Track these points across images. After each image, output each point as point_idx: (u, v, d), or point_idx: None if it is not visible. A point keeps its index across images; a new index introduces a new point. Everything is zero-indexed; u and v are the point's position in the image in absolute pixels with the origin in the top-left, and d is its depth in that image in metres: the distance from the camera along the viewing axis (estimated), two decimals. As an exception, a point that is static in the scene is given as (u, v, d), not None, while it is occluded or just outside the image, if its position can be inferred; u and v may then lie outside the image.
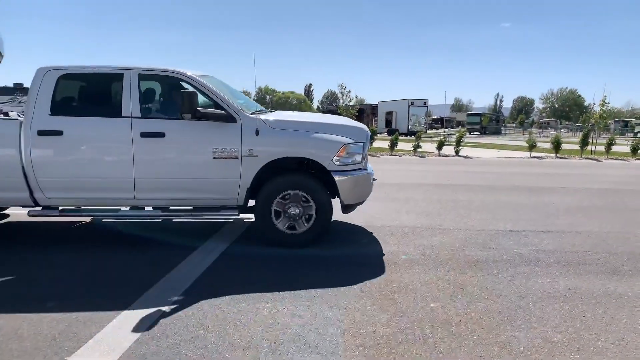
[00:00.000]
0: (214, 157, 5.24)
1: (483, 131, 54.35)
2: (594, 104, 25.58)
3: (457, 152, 20.08)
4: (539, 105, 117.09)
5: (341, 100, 30.29)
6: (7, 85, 22.51)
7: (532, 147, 21.01)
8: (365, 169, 5.63)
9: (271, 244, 5.46)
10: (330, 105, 79.40)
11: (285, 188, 5.35)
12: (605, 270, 4.91)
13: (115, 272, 4.73)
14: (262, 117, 5.43)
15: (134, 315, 3.69)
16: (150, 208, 5.52)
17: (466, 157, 19.38)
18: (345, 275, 4.63)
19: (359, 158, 5.50)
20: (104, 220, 6.40)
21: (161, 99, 5.92)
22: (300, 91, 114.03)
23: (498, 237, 6.13)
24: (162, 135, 5.22)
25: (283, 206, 5.39)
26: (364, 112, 46.03)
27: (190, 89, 5.27)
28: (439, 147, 20.43)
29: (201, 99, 5.32)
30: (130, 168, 5.22)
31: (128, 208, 5.53)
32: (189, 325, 3.56)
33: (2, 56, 6.46)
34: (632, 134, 42.65)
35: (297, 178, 5.43)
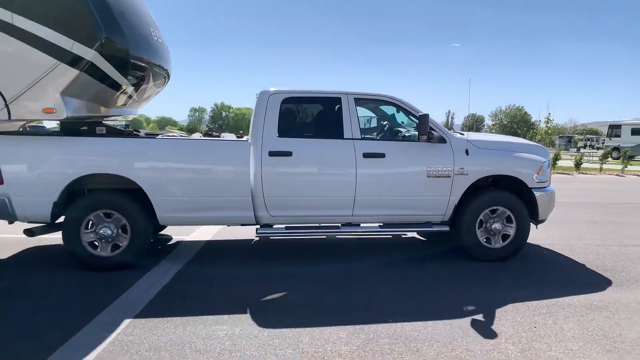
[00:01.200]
0: (428, 176, 5.53)
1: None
2: (540, 120, 26.77)
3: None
4: (488, 122, 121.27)
5: (298, 117, 30.42)
6: None
7: (577, 165, 20.19)
8: (551, 186, 6.02)
9: (474, 258, 5.71)
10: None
11: (492, 204, 5.67)
12: None
13: (64, 296, 4.50)
14: (467, 137, 5.78)
15: (82, 343, 3.50)
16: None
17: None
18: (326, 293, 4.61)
19: (548, 175, 5.89)
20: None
21: (376, 121, 6.26)
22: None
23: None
24: (382, 155, 5.47)
25: (485, 222, 5.72)
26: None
27: (414, 116, 5.70)
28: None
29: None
30: (352, 187, 5.43)
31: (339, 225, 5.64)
32: (142, 350, 3.42)
33: (169, 77, 6.34)
34: (576, 149, 44.73)
35: (503, 195, 5.74)
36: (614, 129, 36.05)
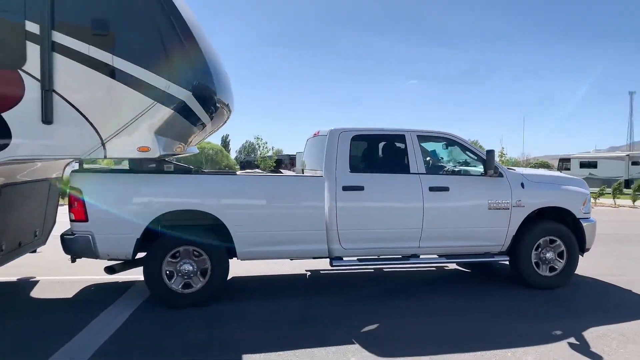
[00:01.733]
0: (489, 208, 5.89)
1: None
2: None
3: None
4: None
5: (259, 152, 30.66)
6: None
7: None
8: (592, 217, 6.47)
9: (530, 286, 6.07)
10: (248, 155, 79.30)
11: (545, 235, 6.09)
12: None
13: (5, 344, 4.14)
14: (522, 172, 6.30)
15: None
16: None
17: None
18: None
19: (590, 207, 6.34)
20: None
21: (437, 156, 6.68)
22: (217, 141, 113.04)
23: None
24: (446, 189, 5.82)
25: (540, 251, 6.12)
26: (282, 163, 46.52)
27: (470, 151, 6.22)
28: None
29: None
30: (419, 219, 5.73)
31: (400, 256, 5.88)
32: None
33: (231, 111, 6.31)
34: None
35: (556, 226, 6.18)
36: (564, 162, 38.71)
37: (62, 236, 5.17)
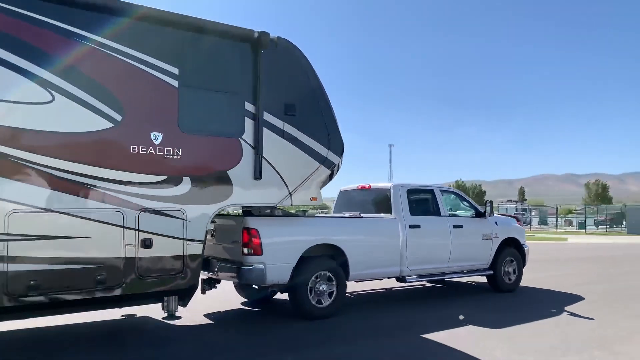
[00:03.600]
0: (482, 239, 8.82)
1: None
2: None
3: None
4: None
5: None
6: None
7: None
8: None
9: (499, 290, 9.10)
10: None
11: (509, 256, 9.28)
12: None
13: None
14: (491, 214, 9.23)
15: None
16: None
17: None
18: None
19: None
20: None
21: (450, 205, 9.31)
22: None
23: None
24: (461, 226, 8.60)
25: (504, 267, 9.25)
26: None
27: (466, 201, 9.36)
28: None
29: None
30: (449, 247, 8.39)
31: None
32: None
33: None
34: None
35: (513, 251, 9.37)
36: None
37: (238, 268, 6.44)
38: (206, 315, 7.08)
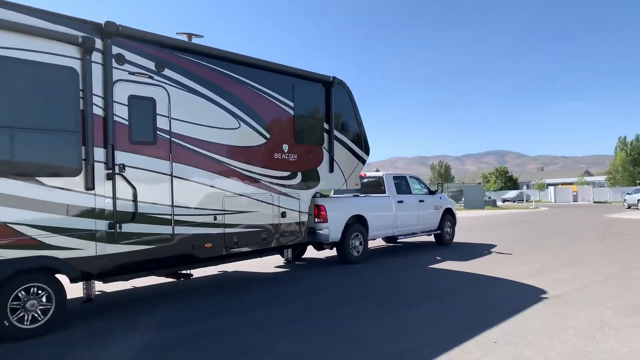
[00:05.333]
0: (434, 209, 12.88)
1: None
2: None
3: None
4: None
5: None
6: None
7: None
8: None
9: (442, 244, 13.03)
10: None
11: (448, 219, 13.31)
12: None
13: None
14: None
15: None
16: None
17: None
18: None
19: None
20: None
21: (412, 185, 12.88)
22: None
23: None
24: (423, 201, 12.62)
25: (445, 226, 13.31)
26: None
27: (422, 183, 13.48)
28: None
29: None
30: (417, 215, 12.24)
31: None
32: None
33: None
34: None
35: (451, 216, 13.46)
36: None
37: (314, 230, 9.74)
38: (277, 267, 10.34)
